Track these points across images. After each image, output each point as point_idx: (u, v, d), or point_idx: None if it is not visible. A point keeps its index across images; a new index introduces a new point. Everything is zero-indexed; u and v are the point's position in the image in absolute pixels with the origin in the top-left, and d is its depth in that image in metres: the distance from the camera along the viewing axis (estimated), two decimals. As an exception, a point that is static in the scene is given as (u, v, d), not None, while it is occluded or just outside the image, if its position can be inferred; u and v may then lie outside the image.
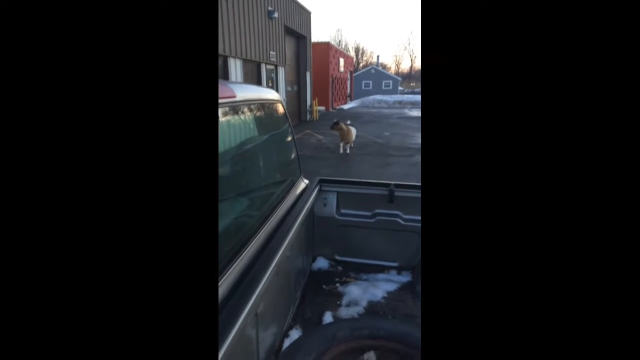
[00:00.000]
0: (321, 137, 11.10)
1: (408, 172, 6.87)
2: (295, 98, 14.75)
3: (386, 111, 20.98)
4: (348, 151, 8.27)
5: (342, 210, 2.29)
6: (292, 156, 2.18)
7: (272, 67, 11.70)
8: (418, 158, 7.96)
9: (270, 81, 11.67)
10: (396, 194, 2.16)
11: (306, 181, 2.29)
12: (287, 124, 2.08)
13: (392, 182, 2.18)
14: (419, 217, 2.18)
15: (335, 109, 22.00)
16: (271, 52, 11.27)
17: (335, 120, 7.66)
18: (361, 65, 49.01)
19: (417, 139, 10.74)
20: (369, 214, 2.24)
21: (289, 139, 2.13)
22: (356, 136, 8.98)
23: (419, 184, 2.22)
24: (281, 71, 12.47)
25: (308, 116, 15.48)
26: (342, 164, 7.46)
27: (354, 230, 2.25)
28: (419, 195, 2.15)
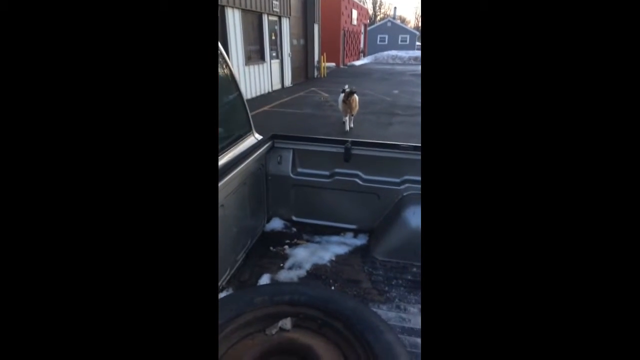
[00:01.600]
0: (326, 95, 10.70)
1: (409, 132, 6.57)
2: (302, 53, 14.08)
3: (399, 68, 19.99)
4: (352, 125, 6.56)
5: (299, 169, 2.13)
6: (238, 111, 2.00)
7: (275, 18, 11.04)
8: (423, 117, 7.60)
9: (273, 34, 11.07)
10: (355, 152, 1.97)
11: (258, 137, 2.12)
12: (229, 78, 1.87)
13: (350, 140, 1.98)
14: (380, 178, 2.00)
15: (346, 65, 21.09)
16: (274, 2, 10.58)
17: (347, 88, 6.04)
18: (378, 18, 46.09)
19: (426, 97, 10.23)
20: (327, 173, 2.08)
21: (233, 94, 1.94)
22: (364, 94, 8.58)
23: (380, 141, 2.02)
24: (285, 23, 11.78)
25: (315, 73, 14.88)
26: (342, 122, 7.18)
27: (311, 191, 2.10)
28: (380, 153, 1.96)
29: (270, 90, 11.08)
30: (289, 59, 12.28)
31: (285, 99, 9.93)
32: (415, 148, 1.90)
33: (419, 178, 1.95)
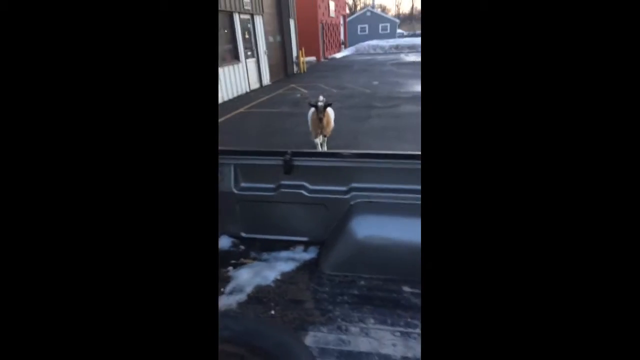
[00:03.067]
0: (305, 91, 10.54)
1: (387, 125, 6.47)
2: (279, 49, 13.85)
3: (381, 57, 19.81)
4: (325, 147, 4.71)
5: (242, 184, 2.01)
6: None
7: (247, 16, 10.80)
8: (403, 109, 7.51)
9: (246, 33, 10.84)
10: (298, 163, 1.85)
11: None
12: None
13: (290, 150, 1.85)
14: (326, 188, 1.89)
15: (327, 58, 20.87)
16: (245, 0, 10.34)
17: (321, 101, 4.25)
18: (358, 8, 45.66)
19: (406, 86, 10.13)
20: (272, 186, 1.95)
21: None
22: (343, 87, 8.34)
23: (325, 150, 1.91)
24: (259, 20, 11.54)
25: (295, 69, 14.67)
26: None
27: (257, 205, 1.98)
28: (323, 163, 1.84)
29: (248, 90, 10.88)
30: (266, 56, 12.06)
31: (263, 99, 9.75)
32: (358, 155, 1.79)
33: (366, 185, 1.85)
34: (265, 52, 11.97)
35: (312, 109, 4.37)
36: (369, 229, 1.73)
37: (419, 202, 1.65)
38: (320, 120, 4.24)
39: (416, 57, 18.62)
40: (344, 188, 1.87)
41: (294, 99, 9.51)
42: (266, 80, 12.13)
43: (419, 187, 1.72)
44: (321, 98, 4.34)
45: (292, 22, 14.38)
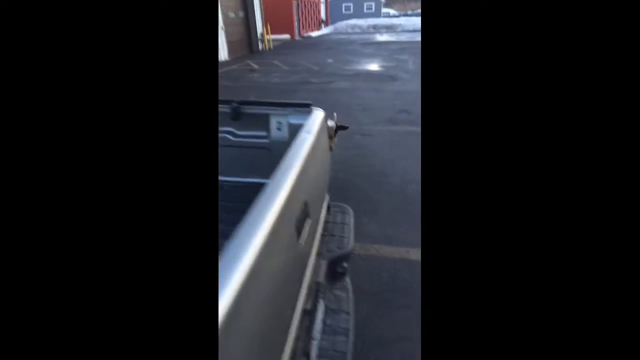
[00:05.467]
0: (256, 66, 10.66)
1: (307, 98, 6.68)
2: (241, 26, 13.82)
3: (355, 37, 19.67)
4: None
5: None
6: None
7: (200, -10, 10.79)
8: (334, 85, 7.67)
9: (200, 7, 10.85)
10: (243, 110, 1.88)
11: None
12: None
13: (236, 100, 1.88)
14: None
15: (302, 36, 20.72)
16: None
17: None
18: (350, -14, 44.68)
19: (355, 65, 10.24)
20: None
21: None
22: (295, 65, 8.09)
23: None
24: (215, -5, 11.53)
25: (260, 46, 14.69)
26: (249, 91, 7.25)
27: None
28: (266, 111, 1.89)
29: (201, 65, 10.96)
30: (224, 32, 12.10)
31: (211, 73, 9.84)
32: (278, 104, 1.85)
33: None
34: (222, 28, 12.01)
35: None
36: None
37: None
38: (330, 149, 2.71)
39: (389, 37, 18.53)
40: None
41: (238, 74, 9.63)
42: (224, 56, 12.20)
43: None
44: (335, 116, 2.59)
45: (257, -1, 14.31)
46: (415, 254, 2.39)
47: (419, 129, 4.70)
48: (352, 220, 1.79)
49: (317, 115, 1.54)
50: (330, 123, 2.26)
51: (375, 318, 1.91)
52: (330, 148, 2.29)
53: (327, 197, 1.78)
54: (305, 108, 1.61)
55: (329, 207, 1.83)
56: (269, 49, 14.95)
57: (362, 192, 3.15)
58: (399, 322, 1.87)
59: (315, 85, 7.74)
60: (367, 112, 5.54)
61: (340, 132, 2.16)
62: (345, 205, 1.92)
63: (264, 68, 10.27)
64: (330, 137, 2.25)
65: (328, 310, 1.43)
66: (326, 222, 1.73)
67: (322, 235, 1.63)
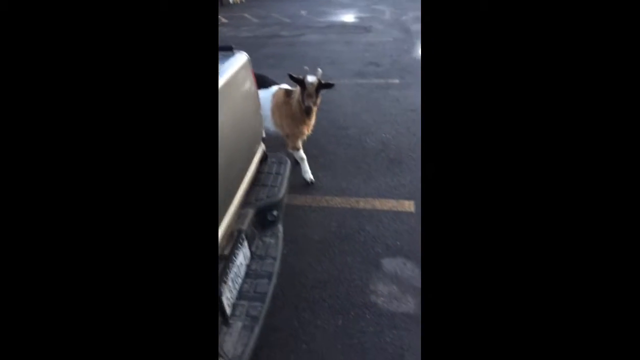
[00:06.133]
0: (225, 20, 10.07)
1: (275, 53, 6.40)
2: (209, -25, 12.85)
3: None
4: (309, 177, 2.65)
5: None
6: None
7: None
8: (304, 38, 7.36)
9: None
10: None
11: None
12: None
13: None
14: None
15: (277, -13, 19.43)
16: None
17: (304, 76, 2.22)
18: None
19: (329, 16, 9.78)
20: None
21: None
22: (266, 17, 7.63)
23: None
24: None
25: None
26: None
27: None
28: None
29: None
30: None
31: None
32: None
33: None
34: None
35: (291, 91, 2.40)
36: None
37: None
38: (309, 112, 2.29)
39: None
40: None
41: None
42: (190, 9, 11.46)
43: None
44: (319, 72, 2.29)
45: (224, -57, 13.18)
46: (364, 203, 2.43)
47: (385, 82, 4.62)
48: (287, 170, 1.78)
49: (237, 60, 1.47)
50: (312, 79, 2.11)
51: (316, 264, 1.97)
52: (311, 106, 2.07)
53: (261, 148, 1.76)
54: (227, 52, 1.53)
55: (265, 158, 1.81)
56: (241, 1, 14.06)
57: (321, 147, 3.13)
58: (340, 265, 1.94)
59: (284, 39, 7.42)
60: (335, 66, 5.38)
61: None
62: (284, 155, 1.91)
63: (233, 22, 9.71)
64: (310, 95, 2.13)
65: (255, 256, 1.46)
66: (259, 172, 1.72)
67: (253, 185, 1.63)
